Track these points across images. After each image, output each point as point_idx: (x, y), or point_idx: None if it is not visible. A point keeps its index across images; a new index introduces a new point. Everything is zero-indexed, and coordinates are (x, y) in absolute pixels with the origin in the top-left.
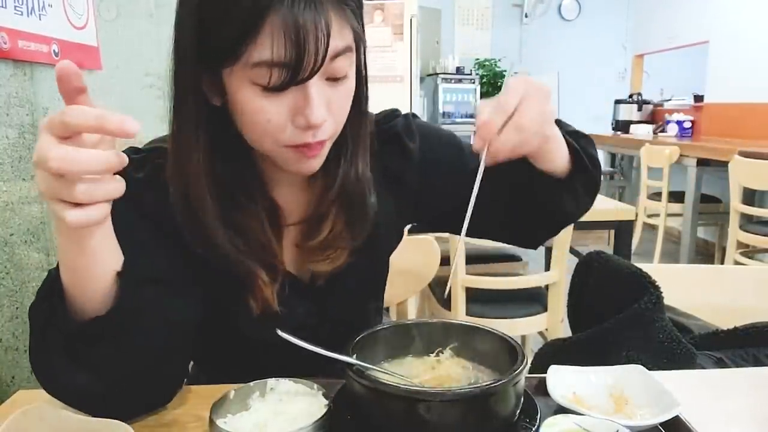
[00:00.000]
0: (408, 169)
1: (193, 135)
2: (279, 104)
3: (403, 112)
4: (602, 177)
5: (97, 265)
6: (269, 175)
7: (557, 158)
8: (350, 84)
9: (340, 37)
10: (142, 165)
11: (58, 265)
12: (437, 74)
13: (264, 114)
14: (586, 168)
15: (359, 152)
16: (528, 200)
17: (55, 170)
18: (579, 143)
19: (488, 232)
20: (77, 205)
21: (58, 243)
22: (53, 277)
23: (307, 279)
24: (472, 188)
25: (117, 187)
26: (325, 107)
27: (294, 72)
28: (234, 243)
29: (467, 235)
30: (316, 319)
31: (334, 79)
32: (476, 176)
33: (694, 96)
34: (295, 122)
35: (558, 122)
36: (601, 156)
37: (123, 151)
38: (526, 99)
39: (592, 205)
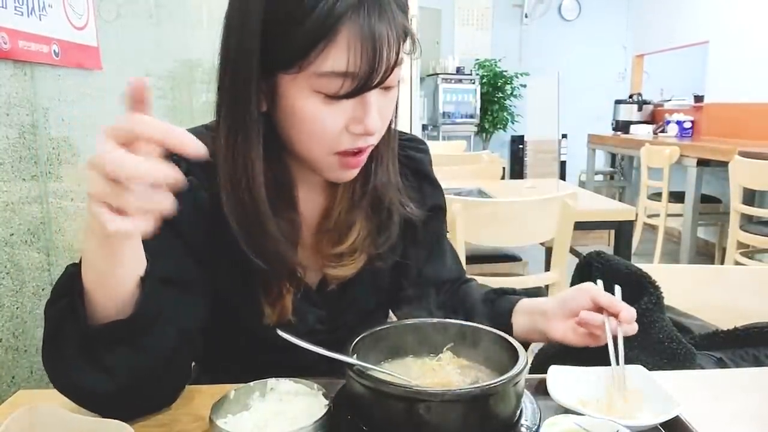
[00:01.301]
0: (416, 210)
1: (255, 140)
2: (337, 112)
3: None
4: (603, 177)
5: (123, 271)
6: (296, 182)
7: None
8: (396, 92)
9: (401, 50)
10: None
11: (79, 262)
12: (437, 74)
13: (322, 122)
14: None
15: (390, 160)
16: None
17: (111, 173)
18: None
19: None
20: (121, 213)
21: (85, 245)
22: (72, 275)
23: (315, 285)
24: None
25: (168, 202)
26: (379, 115)
27: (365, 82)
28: (287, 248)
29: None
30: (326, 326)
31: (386, 88)
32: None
33: (694, 96)
34: (350, 129)
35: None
36: (601, 156)
37: None
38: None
39: None
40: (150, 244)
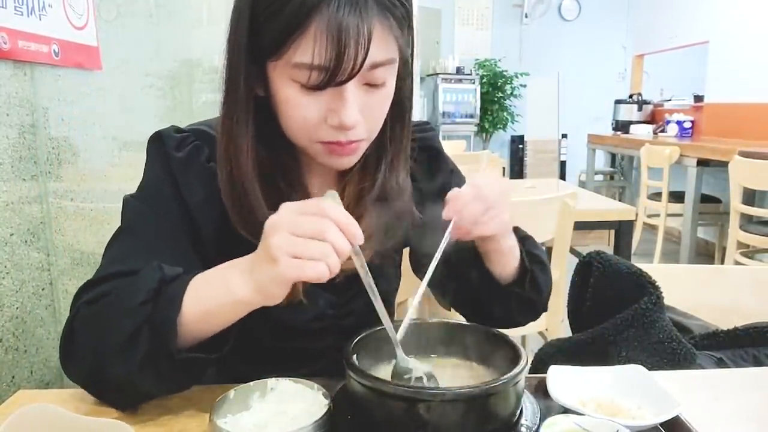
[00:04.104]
0: (426, 186)
1: (243, 122)
2: (315, 102)
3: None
4: (603, 177)
5: (229, 321)
6: (305, 166)
7: (505, 265)
8: (388, 91)
9: (382, 48)
10: (182, 145)
11: (178, 278)
12: (437, 74)
13: (300, 110)
14: (523, 286)
15: (401, 160)
16: (471, 288)
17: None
18: (532, 266)
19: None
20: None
21: (217, 295)
22: (173, 288)
23: None
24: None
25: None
26: (359, 110)
27: (332, 75)
28: None
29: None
30: (335, 311)
31: (372, 85)
32: (443, 241)
33: (694, 96)
34: (328, 121)
35: (525, 239)
36: (601, 156)
37: (166, 129)
38: (489, 182)
39: (524, 324)
40: (156, 241)
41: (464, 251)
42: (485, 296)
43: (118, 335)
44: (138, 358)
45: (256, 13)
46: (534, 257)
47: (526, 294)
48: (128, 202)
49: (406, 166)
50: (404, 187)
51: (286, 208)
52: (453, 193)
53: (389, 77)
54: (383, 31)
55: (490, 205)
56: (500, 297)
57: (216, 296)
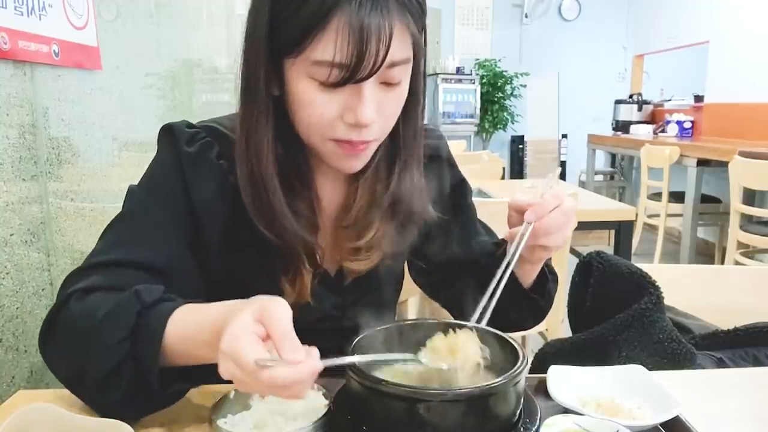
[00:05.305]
0: (434, 194)
1: (263, 120)
2: (332, 99)
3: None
4: (603, 177)
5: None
6: (315, 169)
7: (532, 273)
8: (402, 90)
9: (401, 47)
10: (193, 140)
11: (156, 306)
12: (437, 74)
13: (317, 107)
14: (543, 294)
15: (414, 160)
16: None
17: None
18: (549, 274)
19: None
20: None
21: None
22: (152, 322)
23: (334, 273)
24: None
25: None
26: (376, 109)
27: (352, 73)
28: (294, 224)
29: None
30: (340, 312)
31: (388, 84)
32: (519, 244)
33: (695, 96)
34: (344, 118)
35: None
36: (601, 156)
37: (178, 122)
38: (569, 197)
39: (529, 329)
40: (154, 233)
41: (490, 256)
42: (505, 303)
43: (97, 371)
44: (119, 391)
45: (276, 11)
46: (548, 267)
47: (542, 301)
48: (132, 191)
49: (419, 167)
50: (419, 185)
51: (229, 355)
52: (535, 199)
53: (405, 76)
54: (402, 29)
55: (567, 219)
56: (518, 303)
57: (193, 349)
